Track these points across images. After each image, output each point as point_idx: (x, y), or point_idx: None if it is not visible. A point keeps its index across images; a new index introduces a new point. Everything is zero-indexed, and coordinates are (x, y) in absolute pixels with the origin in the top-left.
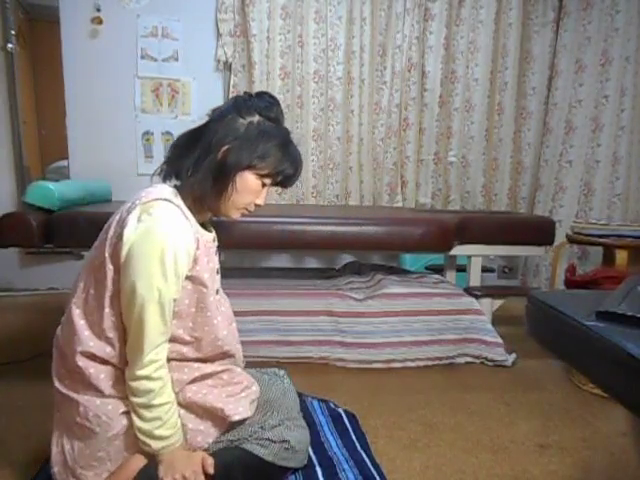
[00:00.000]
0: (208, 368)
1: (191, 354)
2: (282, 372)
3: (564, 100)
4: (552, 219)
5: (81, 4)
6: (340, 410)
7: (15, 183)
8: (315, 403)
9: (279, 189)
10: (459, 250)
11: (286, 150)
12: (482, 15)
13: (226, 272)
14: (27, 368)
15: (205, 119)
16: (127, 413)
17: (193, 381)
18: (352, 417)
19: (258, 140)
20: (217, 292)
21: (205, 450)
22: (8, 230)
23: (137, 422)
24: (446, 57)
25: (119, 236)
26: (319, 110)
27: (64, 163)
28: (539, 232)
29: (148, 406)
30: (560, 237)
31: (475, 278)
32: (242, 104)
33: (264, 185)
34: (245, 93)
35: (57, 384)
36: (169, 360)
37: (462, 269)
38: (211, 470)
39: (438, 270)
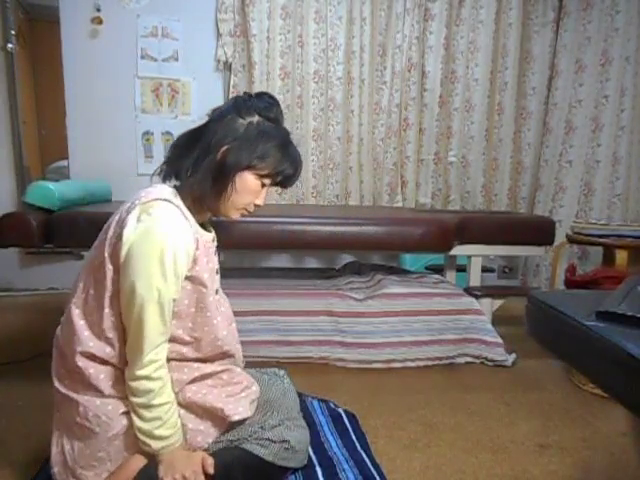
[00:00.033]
0: (208, 368)
1: (191, 354)
2: (282, 372)
3: (564, 100)
4: (552, 219)
5: (81, 4)
6: (340, 410)
7: (15, 183)
8: (315, 403)
9: (279, 189)
10: (459, 250)
11: (286, 150)
12: (482, 15)
13: (226, 272)
14: (27, 368)
15: (205, 119)
16: (127, 413)
17: (193, 381)
18: (352, 417)
19: (258, 140)
20: (216, 292)
21: (205, 450)
22: (8, 230)
23: (137, 422)
24: (446, 57)
25: (119, 236)
26: (319, 110)
27: (64, 163)
28: (539, 232)
29: (148, 406)
30: (560, 237)
31: (475, 278)
32: (242, 104)
33: (263, 185)
34: (245, 93)
35: (57, 384)
36: (169, 360)
37: (462, 269)
38: (211, 470)
39: (438, 270)
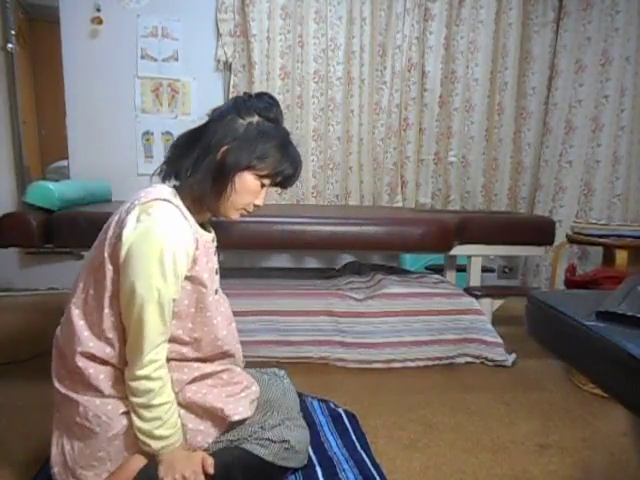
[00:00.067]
0: (208, 368)
1: (191, 354)
2: (282, 372)
3: (564, 100)
4: (552, 219)
5: (81, 4)
6: (340, 410)
7: (15, 183)
8: (315, 403)
9: (279, 189)
10: (459, 250)
11: (285, 151)
12: (482, 15)
13: (226, 272)
14: (27, 368)
15: (205, 119)
16: (127, 413)
17: (193, 381)
18: (352, 417)
19: (257, 141)
20: (216, 292)
21: (205, 450)
22: (8, 230)
23: (137, 422)
24: (446, 57)
25: (118, 236)
26: (319, 110)
27: (64, 163)
28: (539, 232)
29: (148, 406)
30: (560, 237)
31: (475, 278)
32: (242, 105)
33: (263, 186)
34: (245, 94)
35: (57, 384)
36: (169, 360)
37: (462, 269)
38: (211, 470)
39: (438, 270)
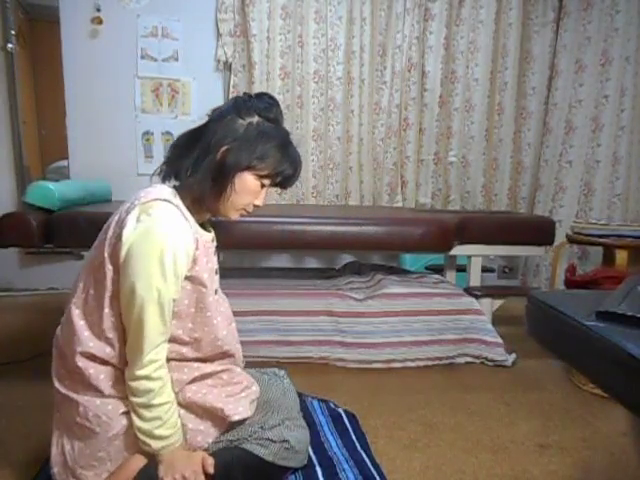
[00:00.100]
0: (208, 368)
1: (191, 354)
2: (282, 372)
3: (564, 100)
4: (552, 219)
5: (81, 4)
6: (340, 410)
7: (15, 183)
8: (315, 403)
9: (279, 189)
10: (459, 250)
11: (285, 151)
12: (482, 15)
13: (226, 272)
14: (27, 368)
15: (205, 119)
16: (127, 413)
17: (193, 381)
18: (352, 417)
19: (257, 141)
20: (216, 292)
21: (205, 450)
22: (8, 230)
23: (137, 422)
24: (446, 57)
25: (118, 236)
26: (319, 110)
27: (64, 163)
28: (539, 232)
29: (148, 406)
30: (560, 237)
31: (475, 278)
32: (242, 105)
33: (263, 186)
34: (245, 94)
35: (57, 384)
36: (169, 360)
37: (462, 269)
38: (211, 470)
39: (438, 270)
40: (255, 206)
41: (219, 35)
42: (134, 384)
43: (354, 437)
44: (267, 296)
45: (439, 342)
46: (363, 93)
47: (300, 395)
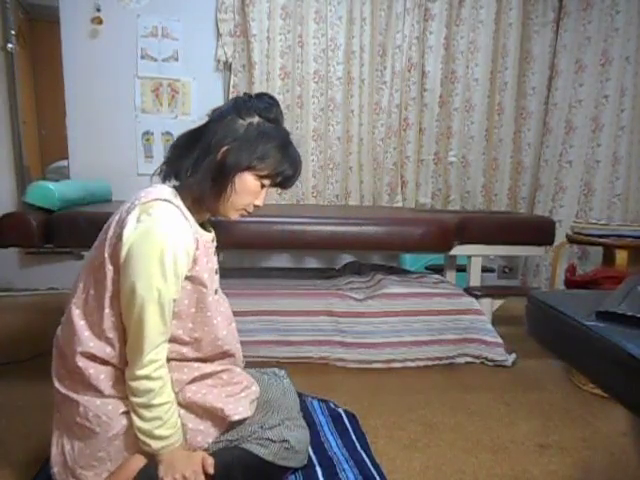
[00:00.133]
0: (208, 368)
1: (191, 354)
2: (282, 372)
3: (564, 100)
4: (552, 219)
5: (81, 4)
6: (340, 410)
7: (15, 183)
8: (315, 403)
9: (279, 189)
10: (459, 250)
11: (285, 151)
12: (482, 15)
13: (226, 272)
14: (27, 368)
15: (205, 119)
16: (127, 413)
17: (193, 381)
18: (352, 417)
19: (257, 141)
20: (216, 292)
21: (205, 450)
22: (8, 230)
23: (137, 422)
24: (446, 57)
25: (118, 236)
26: (319, 110)
27: (64, 163)
28: (539, 232)
29: (148, 406)
30: (560, 237)
31: (475, 278)
32: (242, 105)
33: (263, 186)
34: (245, 94)
35: (57, 384)
36: (169, 360)
37: (462, 269)
38: (211, 470)
39: (438, 270)
40: (255, 206)
41: (219, 35)
42: (134, 384)
43: (354, 437)
44: (267, 296)
45: (439, 342)
46: (363, 93)
47: (300, 395)
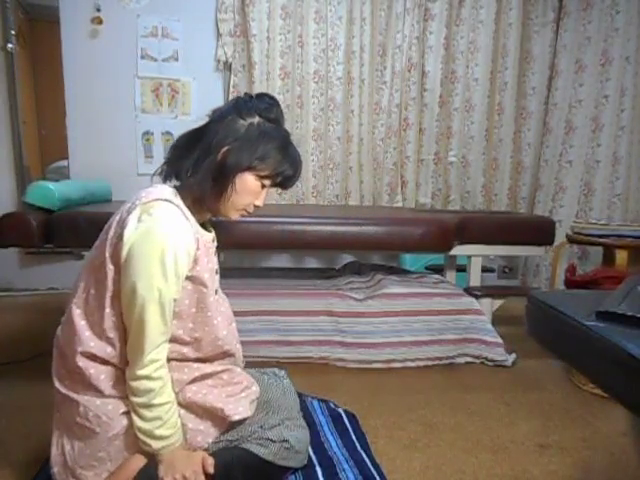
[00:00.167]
0: (208, 368)
1: (191, 354)
2: (282, 372)
3: (564, 100)
4: (552, 219)
5: (81, 4)
6: (340, 410)
7: (15, 183)
8: (315, 403)
9: (279, 189)
10: (459, 250)
11: (286, 152)
12: (482, 15)
13: (226, 272)
14: (27, 368)
15: (205, 119)
16: (127, 413)
17: (193, 381)
18: (352, 417)
19: (258, 141)
20: (216, 292)
21: (205, 450)
22: (8, 230)
23: (137, 422)
24: (446, 57)
25: (119, 236)
26: (319, 110)
27: (64, 163)
28: (539, 232)
29: (148, 406)
30: (560, 237)
31: (475, 278)
32: (242, 105)
33: (263, 186)
34: (245, 94)
35: (57, 384)
36: (169, 360)
37: (462, 269)
38: (211, 470)
39: (438, 270)
40: (255, 206)
41: (219, 35)
42: (135, 384)
43: (354, 437)
44: (267, 296)
45: (439, 342)
46: (363, 93)
47: (300, 395)
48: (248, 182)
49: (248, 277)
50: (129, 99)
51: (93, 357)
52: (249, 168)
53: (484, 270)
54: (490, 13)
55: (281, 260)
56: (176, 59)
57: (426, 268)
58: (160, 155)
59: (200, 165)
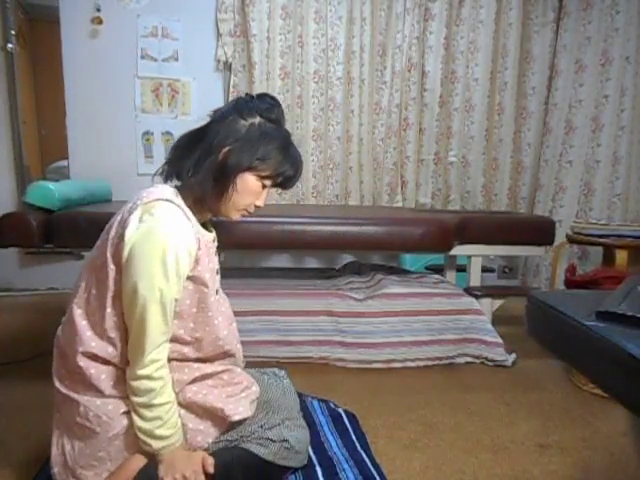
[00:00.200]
0: (208, 368)
1: (192, 354)
2: (282, 372)
3: (564, 100)
4: (552, 219)
5: (81, 4)
6: (340, 410)
7: (15, 183)
8: (315, 403)
9: (279, 189)
10: (459, 250)
11: (287, 152)
12: (482, 15)
13: (226, 272)
14: (27, 368)
15: (205, 119)
16: (127, 413)
17: (193, 381)
18: (352, 417)
19: (259, 142)
20: (217, 292)
21: (205, 450)
22: (8, 230)
23: (138, 422)
24: (446, 57)
25: (121, 236)
26: (319, 110)
27: (64, 163)
28: (539, 232)
29: (149, 405)
30: (560, 237)
31: (475, 278)
32: (243, 105)
33: (264, 186)
34: (246, 94)
35: (57, 384)
36: (170, 360)
37: (462, 269)
38: (211, 470)
39: (438, 270)
40: (256, 206)
41: (219, 35)
42: (135, 383)
43: (354, 437)
44: (267, 296)
45: (439, 342)
46: (363, 93)
47: (300, 395)
48: (249, 182)
49: (248, 277)
50: (129, 99)
51: (94, 357)
52: (250, 168)
53: (484, 270)
54: (490, 13)
55: (281, 260)
56: (176, 59)
57: (426, 268)
58: (160, 155)
59: (201, 165)
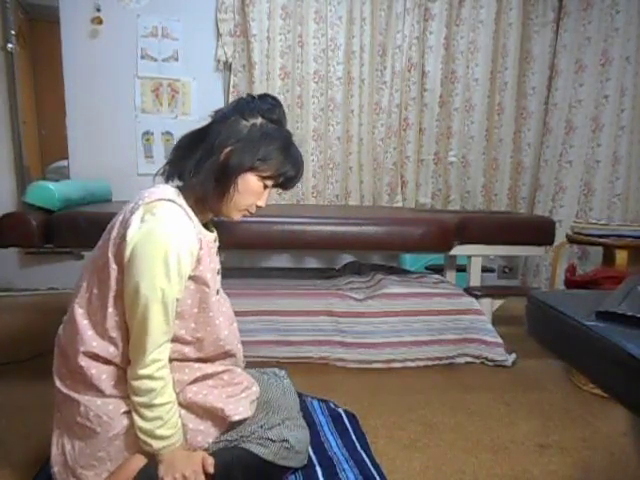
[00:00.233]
0: (209, 368)
1: (193, 354)
2: (282, 372)
3: (564, 100)
4: (552, 219)
5: (81, 4)
6: (340, 410)
7: (15, 183)
8: (315, 403)
9: (280, 189)
10: (459, 250)
11: (288, 152)
12: (482, 15)
13: (226, 272)
14: (27, 368)
15: (205, 119)
16: (128, 413)
17: (194, 381)
18: (352, 417)
19: (260, 142)
20: (218, 292)
21: (205, 450)
22: (8, 230)
23: (138, 421)
24: (446, 57)
25: (122, 236)
26: (319, 110)
27: (64, 163)
28: (539, 232)
29: (149, 405)
30: (560, 237)
31: (475, 278)
32: (245, 106)
33: (266, 187)
34: (248, 95)
35: (58, 384)
36: (171, 360)
37: (462, 269)
38: (211, 470)
39: (438, 270)
40: (258, 207)
41: (219, 35)
42: (136, 383)
43: (354, 437)
44: (267, 296)
45: (439, 342)
46: (363, 93)
47: (300, 395)
48: (250, 183)
49: (248, 277)
50: (129, 99)
51: (95, 357)
52: (251, 169)
53: (484, 270)
54: (490, 13)
55: (281, 260)
56: (176, 59)
57: (426, 268)
58: (160, 155)
59: (203, 165)
